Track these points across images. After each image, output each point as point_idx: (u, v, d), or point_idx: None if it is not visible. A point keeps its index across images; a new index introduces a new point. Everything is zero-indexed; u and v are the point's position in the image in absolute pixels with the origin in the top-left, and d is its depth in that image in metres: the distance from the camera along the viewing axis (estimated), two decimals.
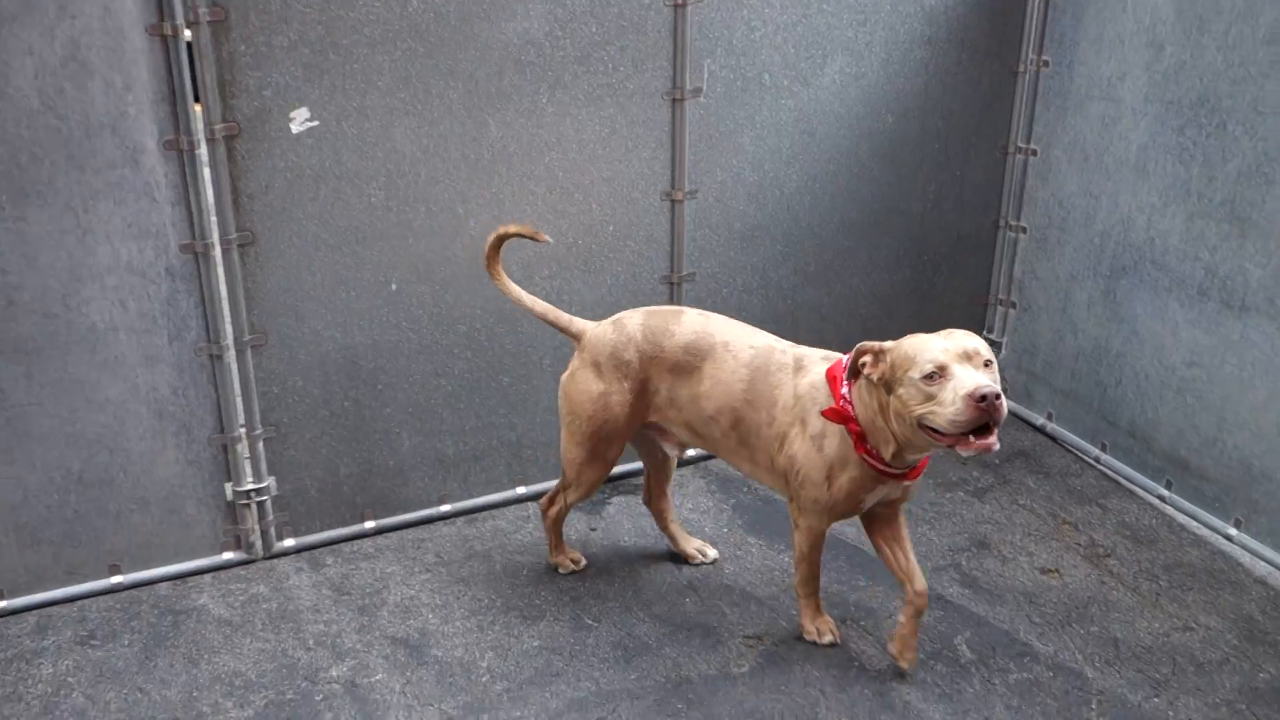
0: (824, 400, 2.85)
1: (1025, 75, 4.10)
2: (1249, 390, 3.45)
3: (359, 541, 3.65)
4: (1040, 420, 4.31)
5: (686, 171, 3.71)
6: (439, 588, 3.42)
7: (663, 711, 2.92)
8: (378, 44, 3.19)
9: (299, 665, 3.10)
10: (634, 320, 3.15)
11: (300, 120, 3.17)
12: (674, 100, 3.62)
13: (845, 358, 2.84)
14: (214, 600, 3.37)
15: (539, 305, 3.27)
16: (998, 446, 2.56)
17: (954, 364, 2.57)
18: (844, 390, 2.79)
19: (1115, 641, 3.20)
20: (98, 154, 2.97)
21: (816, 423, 2.86)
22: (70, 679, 3.04)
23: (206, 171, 3.12)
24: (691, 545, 3.52)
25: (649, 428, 3.25)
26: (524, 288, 3.29)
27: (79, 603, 3.33)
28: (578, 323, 3.24)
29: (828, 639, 3.13)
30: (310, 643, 3.19)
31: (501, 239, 3.21)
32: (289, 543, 3.58)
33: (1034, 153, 4.15)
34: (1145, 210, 3.72)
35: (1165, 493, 3.81)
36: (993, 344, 4.39)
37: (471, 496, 3.80)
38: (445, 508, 3.76)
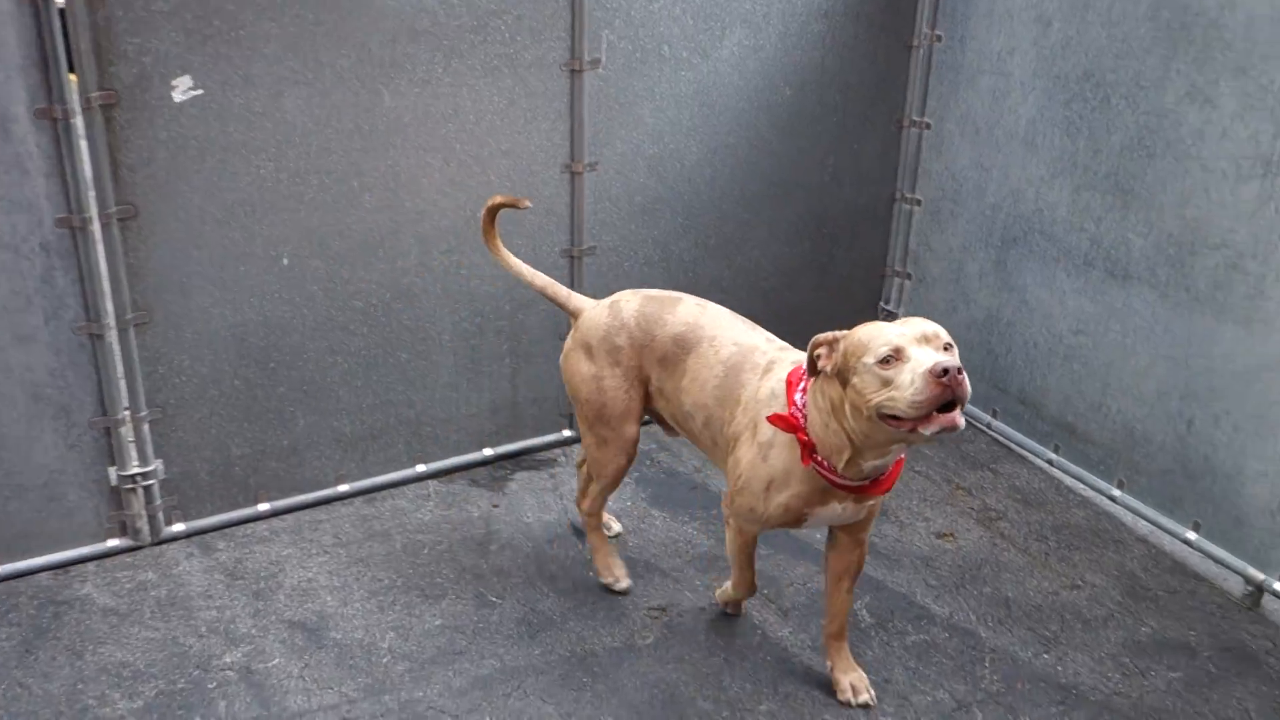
0: (780, 406, 2.65)
1: (919, 49, 4.16)
2: (1131, 356, 3.58)
3: (253, 524, 3.55)
4: None
5: (586, 144, 3.68)
6: (337, 569, 3.36)
7: (568, 685, 2.92)
8: (264, 10, 3.07)
9: (191, 653, 3.00)
10: (630, 305, 3.04)
11: (183, 89, 3.05)
12: (572, 71, 3.58)
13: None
14: (99, 589, 3.24)
15: (539, 279, 3.18)
16: (963, 424, 2.32)
17: (910, 346, 2.36)
18: (797, 397, 2.62)
19: (1007, 601, 3.30)
20: None
21: (766, 430, 2.68)
22: None
23: (83, 143, 2.98)
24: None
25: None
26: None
27: None
28: (575, 299, 3.16)
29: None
30: (202, 630, 3.09)
31: (493, 211, 3.12)
32: (178, 527, 3.46)
33: (928, 126, 4.22)
34: (1034, 182, 3.81)
35: (1054, 456, 3.93)
36: (889, 315, 4.47)
37: (370, 475, 3.73)
38: (343, 488, 3.68)
